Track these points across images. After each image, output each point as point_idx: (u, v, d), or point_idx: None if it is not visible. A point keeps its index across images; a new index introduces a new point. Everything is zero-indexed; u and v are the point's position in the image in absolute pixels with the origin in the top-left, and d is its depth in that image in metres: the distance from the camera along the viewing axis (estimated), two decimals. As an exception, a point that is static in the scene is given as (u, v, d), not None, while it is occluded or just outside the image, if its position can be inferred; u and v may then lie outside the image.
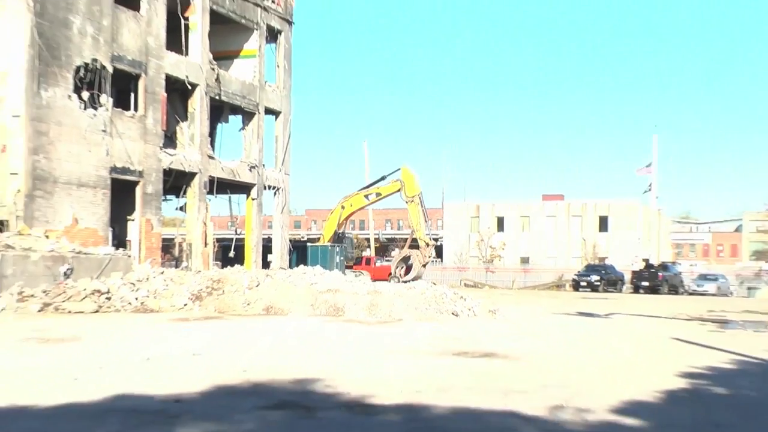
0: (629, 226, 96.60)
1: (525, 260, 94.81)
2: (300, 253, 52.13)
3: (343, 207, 52.94)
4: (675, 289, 61.81)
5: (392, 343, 17.82)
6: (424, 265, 50.61)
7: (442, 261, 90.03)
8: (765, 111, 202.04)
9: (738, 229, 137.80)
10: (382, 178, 51.94)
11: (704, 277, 66.89)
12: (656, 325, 25.61)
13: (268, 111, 46.19)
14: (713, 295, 58.95)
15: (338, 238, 53.27)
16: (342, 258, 52.80)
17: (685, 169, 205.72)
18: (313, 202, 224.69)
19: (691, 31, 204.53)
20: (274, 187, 46.58)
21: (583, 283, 61.81)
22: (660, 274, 62.04)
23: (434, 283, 34.02)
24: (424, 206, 50.75)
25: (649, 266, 64.77)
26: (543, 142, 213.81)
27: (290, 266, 43.42)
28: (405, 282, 45.93)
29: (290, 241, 51.19)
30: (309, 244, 56.68)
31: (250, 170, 44.16)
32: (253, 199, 44.89)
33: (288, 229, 49.54)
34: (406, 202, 50.48)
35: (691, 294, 60.28)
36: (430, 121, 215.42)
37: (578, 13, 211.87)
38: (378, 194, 52.07)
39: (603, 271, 64.13)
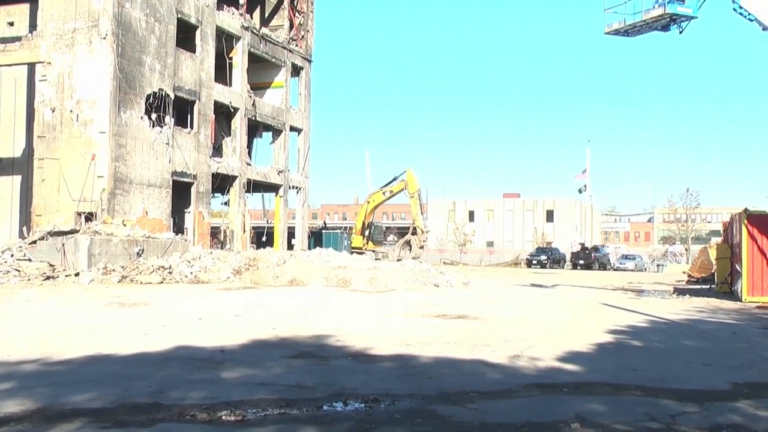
0: (569, 217, 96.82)
1: (490, 244, 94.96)
2: (316, 237, 52.11)
3: (368, 202, 52.76)
4: (604, 266, 61.85)
5: (387, 308, 17.85)
6: (421, 248, 50.37)
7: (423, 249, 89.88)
8: (672, 126, 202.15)
9: (650, 220, 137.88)
10: (394, 179, 51.64)
11: (625, 257, 66.97)
12: (589, 293, 25.65)
13: (293, 128, 46.08)
14: (632, 270, 58.99)
15: (367, 226, 53.10)
16: (349, 242, 52.73)
17: (612, 172, 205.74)
18: (327, 198, 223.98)
19: (615, 63, 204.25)
20: (296, 187, 46.51)
21: (535, 262, 61.81)
22: (592, 254, 62.09)
23: (420, 262, 34.08)
24: (422, 201, 50.59)
25: (584, 248, 64.82)
26: (504, 150, 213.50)
27: (309, 248, 43.42)
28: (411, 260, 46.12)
29: (309, 228, 51.16)
30: (323, 231, 56.61)
31: (278, 174, 44.09)
32: (280, 197, 44.83)
33: (307, 219, 49.49)
34: (409, 198, 50.31)
35: (615, 270, 60.31)
36: (418, 133, 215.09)
37: (538, 36, 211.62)
38: (391, 191, 51.90)
39: (549, 253, 64.15)
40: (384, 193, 51.91)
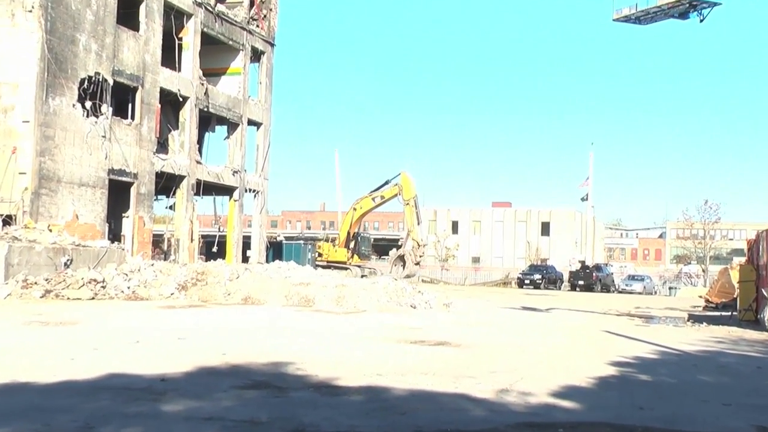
0: (568, 231, 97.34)
1: (476, 260, 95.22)
2: (276, 249, 51.89)
3: (354, 209, 52.28)
4: (607, 287, 62.19)
5: (357, 332, 17.76)
6: (417, 264, 50.14)
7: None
8: (688, 133, 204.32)
9: (662, 236, 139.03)
10: (386, 183, 51.39)
11: (632, 278, 67.31)
12: (590, 319, 25.72)
13: (251, 122, 46.00)
14: (640, 293, 59.30)
15: (353, 237, 52.67)
16: (313, 255, 52.51)
17: (617, 181, 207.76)
18: (288, 204, 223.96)
19: (623, 58, 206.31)
20: (253, 190, 46.37)
21: (527, 281, 61.96)
22: (594, 274, 62.40)
23: (396, 279, 33.98)
24: (419, 209, 50.44)
25: (584, 267, 65.15)
26: (494, 154, 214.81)
27: (267, 261, 43.25)
28: (401, 278, 45.93)
29: (267, 238, 50.97)
30: (285, 241, 56.44)
31: (233, 175, 43.93)
32: (235, 201, 44.67)
33: (265, 227, 49.36)
34: (404, 205, 50.16)
35: (620, 292, 60.61)
36: (395, 132, 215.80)
37: (528, 41, 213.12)
38: (382, 197, 51.66)
39: (544, 271, 64.35)
40: (374, 199, 51.73)
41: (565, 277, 65.54)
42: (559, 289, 62.60)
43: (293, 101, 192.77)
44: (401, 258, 50.07)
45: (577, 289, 60.52)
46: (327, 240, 54.43)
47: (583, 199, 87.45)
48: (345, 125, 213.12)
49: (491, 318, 24.04)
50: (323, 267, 47.50)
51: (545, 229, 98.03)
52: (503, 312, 27.53)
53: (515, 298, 39.36)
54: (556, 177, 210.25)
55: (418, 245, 49.69)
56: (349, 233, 52.10)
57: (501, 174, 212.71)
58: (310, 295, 25.67)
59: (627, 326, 22.88)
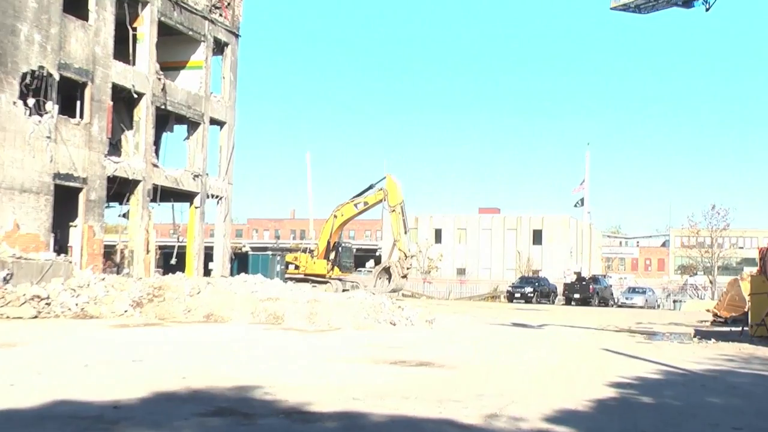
0: (562, 239, 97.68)
1: (461, 271, 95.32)
2: (241, 261, 51.78)
3: (335, 216, 52.09)
4: (605, 301, 62.39)
5: (331, 351, 17.75)
6: (404, 277, 50.00)
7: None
8: (691, 132, 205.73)
9: (665, 244, 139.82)
10: (371, 187, 51.19)
11: (633, 290, 67.59)
12: (587, 336, 25.80)
13: (213, 121, 45.85)
14: (641, 307, 59.57)
15: (333, 247, 52.47)
16: (282, 267, 52.40)
17: (616, 185, 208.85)
18: (255, 212, 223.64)
19: (620, 52, 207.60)
20: (217, 196, 46.21)
21: (518, 295, 62.02)
22: (591, 286, 62.59)
23: (373, 293, 34.02)
24: (406, 216, 50.32)
25: (580, 279, 65.34)
26: (481, 156, 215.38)
27: (231, 274, 43.11)
28: (387, 293, 45.77)
29: (232, 249, 50.81)
30: (251, 252, 56.30)
31: (194, 179, 43.78)
32: (196, 208, 44.50)
33: (230, 237, 49.17)
34: (389, 212, 50.05)
35: (620, 306, 60.83)
36: (373, 133, 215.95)
37: (514, 32, 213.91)
38: (366, 203, 51.54)
39: (536, 283, 64.51)
40: (356, 206, 51.63)
41: (559, 290, 65.70)
42: (553, 303, 62.71)
43: (260, 99, 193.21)
44: (386, 270, 49.94)
45: (573, 303, 60.62)
46: (305, 250, 54.05)
47: (577, 205, 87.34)
48: (318, 126, 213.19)
49: (478, 335, 24.06)
50: (300, 280, 47.42)
51: (537, 237, 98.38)
52: (491, 329, 27.55)
53: (505, 314, 39.42)
54: (548, 181, 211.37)
55: (406, 256, 49.56)
56: (329, 243, 51.94)
57: (488, 178, 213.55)
58: (279, 311, 25.62)
59: (627, 343, 22.96)
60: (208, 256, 46.09)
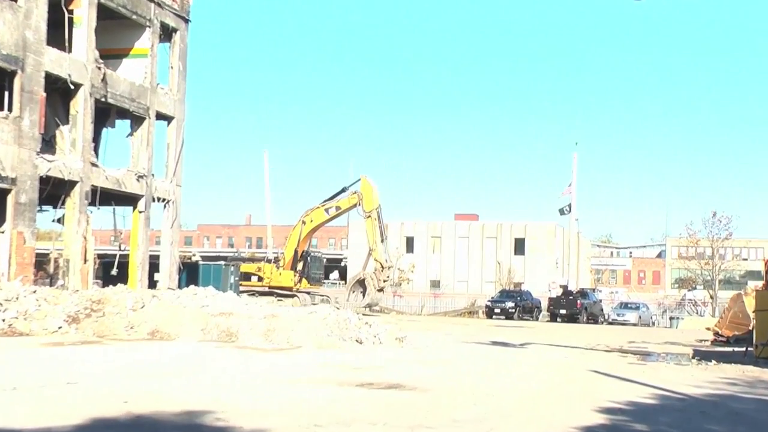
0: (547, 249, 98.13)
1: (435, 284, 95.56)
2: (191, 272, 51.56)
3: (303, 222, 51.91)
4: (594, 317, 62.75)
5: (291, 372, 17.73)
6: (381, 290, 49.91)
7: (346, 283, 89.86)
8: (686, 132, 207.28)
9: (660, 255, 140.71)
10: (343, 190, 51.24)
11: (625, 306, 67.98)
12: (574, 356, 25.91)
13: (160, 116, 45.63)
14: (634, 324, 59.95)
15: (301, 257, 52.26)
16: (237, 278, 52.27)
17: (606, 189, 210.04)
18: (206, 217, 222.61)
19: (612, 45, 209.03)
20: (163, 200, 46.01)
21: (497, 310, 62.27)
22: (579, 301, 62.89)
23: (338, 307, 34.00)
24: (382, 222, 50.24)
25: (567, 293, 65.64)
26: (456, 158, 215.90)
27: (179, 286, 42.91)
28: (361, 307, 45.62)
29: (180, 258, 50.60)
30: (201, 262, 56.09)
31: (138, 180, 43.55)
32: (140, 212, 44.26)
33: (178, 245, 48.99)
34: (364, 218, 50.00)
35: (611, 323, 61.18)
36: (338, 132, 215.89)
37: (487, 28, 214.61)
38: (338, 208, 51.48)
39: (518, 298, 64.74)
40: (327, 211, 51.62)
41: (544, 305, 66.02)
42: (537, 319, 63.02)
43: (213, 92, 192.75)
44: (361, 283, 49.91)
45: (558, 319, 60.94)
46: (270, 260, 53.91)
47: (564, 211, 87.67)
48: (277, 124, 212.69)
49: (454, 355, 24.11)
50: (263, 293, 47.36)
51: (519, 246, 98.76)
52: (468, 348, 27.62)
53: (483, 331, 39.54)
54: (532, 185, 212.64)
55: (382, 267, 49.53)
56: (296, 252, 51.89)
57: (465, 181, 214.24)
58: (232, 327, 25.57)
59: (619, 365, 23.09)
60: (154, 266, 45.87)
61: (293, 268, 51.62)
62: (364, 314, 37.21)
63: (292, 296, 48.74)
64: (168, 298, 29.45)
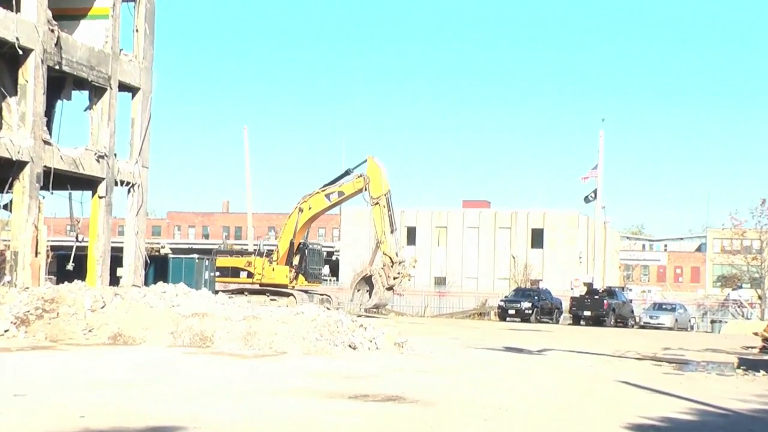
0: (568, 241, 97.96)
1: (440, 281, 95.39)
2: (159, 266, 51.56)
3: (300, 210, 51.61)
4: (623, 320, 62.67)
5: (273, 382, 17.74)
6: (390, 288, 49.73)
7: (338, 280, 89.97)
8: (731, 108, 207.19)
9: (700, 249, 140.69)
10: (347, 173, 51.05)
11: (659, 307, 67.94)
12: (600, 364, 25.91)
13: (123, 87, 45.51)
14: (670, 328, 59.92)
15: (297, 250, 52.04)
16: (212, 274, 52.20)
17: (638, 173, 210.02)
18: (177, 204, 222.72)
19: (645, 14, 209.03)
20: (127, 183, 45.95)
21: (512, 311, 62.17)
22: (605, 301, 62.73)
23: (329, 308, 34.00)
24: (392, 210, 50.07)
25: (592, 292, 65.57)
26: (464, 140, 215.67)
27: (146, 283, 42.91)
28: (368, 308, 45.50)
29: (147, 251, 50.59)
30: (172, 255, 56.07)
31: (98, 161, 43.48)
32: (100, 197, 44.21)
33: (144, 236, 48.97)
34: (372, 205, 49.83)
35: (642, 327, 61.16)
36: (330, 109, 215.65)
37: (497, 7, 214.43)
38: (341, 193, 51.35)
39: (536, 297, 64.60)
40: (329, 197, 51.42)
41: (565, 305, 65.98)
42: (557, 322, 62.99)
43: (186, 61, 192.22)
44: (367, 280, 49.71)
45: (582, 322, 60.89)
46: (262, 254, 53.52)
47: (589, 198, 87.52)
48: (259, 99, 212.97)
49: (461, 363, 24.12)
50: (254, 292, 47.27)
51: (537, 238, 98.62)
52: (478, 354, 27.64)
53: (495, 335, 39.55)
54: (551, 168, 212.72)
55: (392, 262, 49.39)
56: (292, 244, 51.65)
57: (474, 163, 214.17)
58: (207, 330, 25.55)
59: (652, 375, 23.10)
60: (117, 259, 45.86)
61: (288, 262, 51.36)
62: (359, 315, 37.18)
63: (288, 295, 48.56)
64: (132, 297, 29.40)
